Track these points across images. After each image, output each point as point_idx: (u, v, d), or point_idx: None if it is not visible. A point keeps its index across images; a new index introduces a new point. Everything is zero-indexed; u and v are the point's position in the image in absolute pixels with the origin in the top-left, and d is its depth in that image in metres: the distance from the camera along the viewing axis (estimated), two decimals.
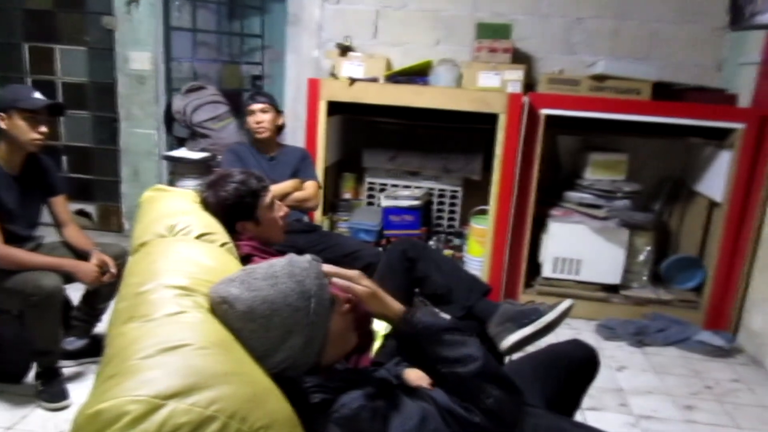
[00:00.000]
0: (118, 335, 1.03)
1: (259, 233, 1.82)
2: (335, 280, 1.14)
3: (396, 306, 1.17)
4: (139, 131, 3.61)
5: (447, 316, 1.16)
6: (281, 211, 1.90)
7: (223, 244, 1.55)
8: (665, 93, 2.94)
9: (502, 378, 1.13)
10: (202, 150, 3.29)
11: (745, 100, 2.94)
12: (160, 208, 1.64)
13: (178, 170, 3.34)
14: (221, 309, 1.08)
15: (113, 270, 2.17)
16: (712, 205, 3.05)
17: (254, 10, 3.65)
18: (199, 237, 1.50)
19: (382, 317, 1.18)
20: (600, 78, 2.91)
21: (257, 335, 1.05)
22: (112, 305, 1.20)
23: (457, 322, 1.16)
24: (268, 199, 1.84)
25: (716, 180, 2.94)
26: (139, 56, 3.46)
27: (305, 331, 1.06)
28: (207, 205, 1.74)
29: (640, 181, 3.10)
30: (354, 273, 1.18)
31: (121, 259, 2.21)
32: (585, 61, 3.18)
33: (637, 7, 3.20)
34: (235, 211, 1.77)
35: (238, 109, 2.70)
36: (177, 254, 1.33)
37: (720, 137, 2.91)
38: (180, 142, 3.50)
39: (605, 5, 3.22)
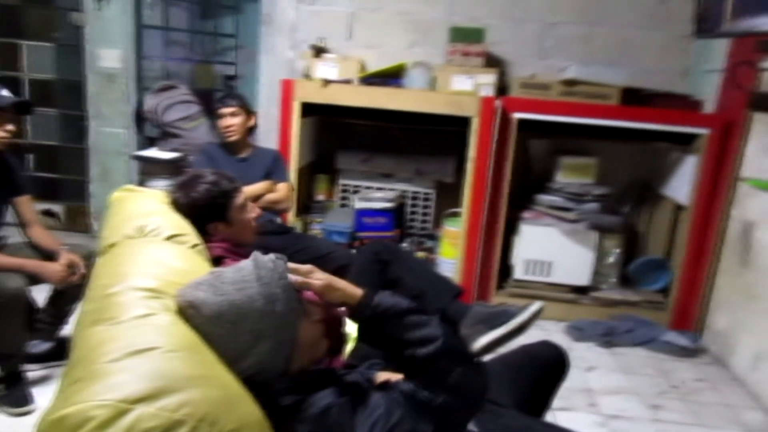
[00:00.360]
0: (84, 338, 1.01)
1: (230, 235, 1.81)
2: (291, 277, 1.13)
3: (355, 291, 1.17)
4: (109, 130, 3.55)
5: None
6: (253, 212, 1.89)
7: (193, 246, 1.53)
8: (634, 98, 3.00)
9: (464, 355, 1.13)
10: (174, 150, 3.25)
11: (709, 106, 3.01)
12: (129, 209, 1.62)
13: (148, 170, 3.29)
14: (188, 313, 1.07)
15: (82, 270, 2.13)
16: (678, 208, 3.12)
17: (228, 10, 3.62)
18: (169, 238, 1.48)
19: (343, 305, 1.18)
20: (571, 83, 2.95)
21: (225, 340, 1.04)
22: (78, 308, 1.18)
23: (418, 304, 1.16)
24: (240, 200, 1.83)
25: (682, 184, 3.01)
26: (109, 54, 3.40)
27: (274, 336, 1.06)
28: (178, 206, 1.73)
29: (609, 184, 3.15)
30: (306, 268, 1.18)
31: (88, 260, 2.17)
32: (557, 66, 3.22)
33: (608, 14, 3.26)
34: (207, 212, 1.75)
35: (211, 109, 2.68)
36: (146, 256, 1.32)
37: (686, 142, 2.98)
38: (150, 142, 3.45)
39: (577, 12, 3.27)
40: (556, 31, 3.31)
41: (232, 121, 2.65)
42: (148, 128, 3.41)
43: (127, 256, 1.31)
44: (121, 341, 0.95)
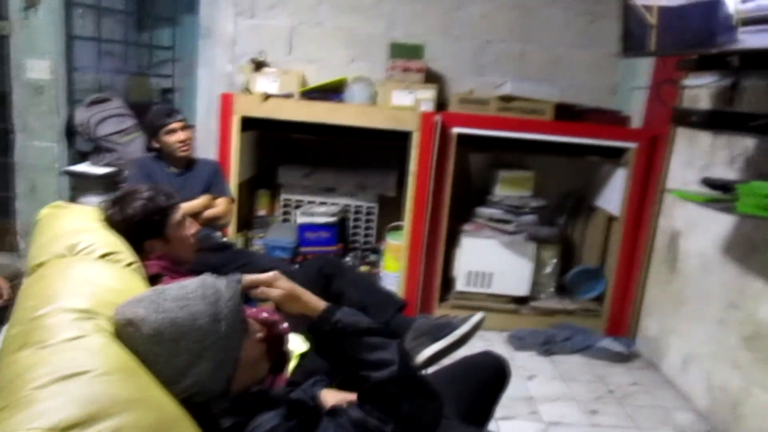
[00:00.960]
0: (9, 364, 0.95)
1: (168, 252, 1.76)
2: (254, 291, 1.12)
3: (318, 303, 1.16)
4: (37, 144, 3.39)
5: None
6: (192, 228, 1.85)
7: (128, 264, 1.48)
8: (567, 113, 3.11)
9: (419, 384, 1.14)
10: (107, 165, 3.14)
11: (637, 121, 3.17)
12: (59, 226, 1.56)
13: (80, 186, 3.16)
14: (126, 332, 1.03)
15: (5, 294, 2.02)
16: (611, 219, 3.25)
17: (165, 22, 3.54)
18: (102, 257, 1.43)
19: (302, 317, 1.17)
20: (507, 99, 3.04)
21: (164, 359, 1.01)
22: (3, 331, 1.12)
23: (380, 326, 1.16)
24: (178, 216, 1.78)
25: (613, 195, 3.14)
26: (37, 65, 3.26)
27: (215, 356, 1.03)
28: (112, 223, 1.67)
29: (546, 196, 3.25)
30: (269, 277, 1.17)
31: (14, 280, 2.06)
32: (494, 82, 3.31)
33: (541, 33, 3.38)
34: (143, 229, 1.70)
35: (152, 122, 2.61)
36: (77, 275, 1.26)
37: (616, 156, 3.11)
38: (82, 156, 3.32)
39: (512, 30, 3.37)
40: (492, 49, 3.40)
41: (185, 134, 2.60)
42: (80, 142, 3.28)
43: (57, 276, 1.25)
44: (50, 366, 0.90)
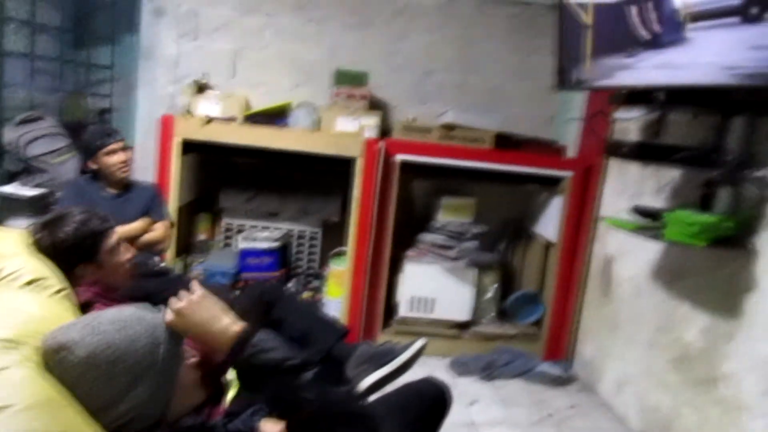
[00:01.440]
0: None
1: (101, 278, 1.70)
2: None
3: (226, 325, 1.12)
4: None
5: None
6: (128, 253, 1.79)
7: (58, 291, 1.42)
8: (506, 143, 3.20)
9: (346, 413, 1.12)
10: (38, 186, 3.00)
11: (572, 151, 3.29)
12: None
13: (7, 208, 3.01)
14: (57, 358, 0.98)
15: None
16: (548, 245, 3.35)
17: (104, 40, 3.45)
18: (28, 283, 1.37)
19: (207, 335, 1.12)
20: (449, 127, 3.11)
21: (99, 384, 0.97)
22: None
23: (304, 356, 1.14)
24: (112, 240, 1.72)
25: (550, 222, 3.24)
26: None
27: (153, 380, 1.00)
28: (41, 248, 1.59)
29: (487, 223, 3.32)
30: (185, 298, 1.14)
31: None
32: (436, 111, 3.38)
33: (481, 65, 3.48)
34: (75, 253, 1.63)
35: (87, 143, 2.52)
36: (0, 303, 1.20)
37: (552, 184, 3.22)
38: (11, 177, 3.17)
39: (453, 61, 3.46)
40: (434, 78, 3.48)
41: (126, 155, 2.53)
42: (9, 162, 3.13)
43: None
44: None
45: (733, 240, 1.95)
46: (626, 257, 2.76)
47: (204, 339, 1.12)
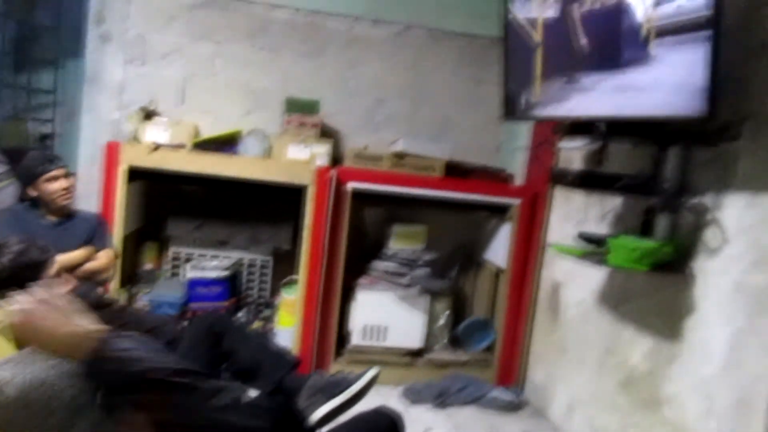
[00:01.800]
0: None
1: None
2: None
3: (80, 327, 1.00)
4: None
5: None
6: (69, 284, 1.73)
7: None
8: (455, 171, 3.26)
9: None
10: None
11: (519, 179, 3.38)
12: None
13: None
14: None
15: None
16: (498, 272, 3.40)
17: (46, 65, 3.36)
18: None
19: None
20: (400, 155, 3.15)
21: (34, 423, 0.92)
22: None
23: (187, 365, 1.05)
24: (52, 271, 1.66)
25: (500, 249, 3.30)
26: None
27: (93, 416, 0.96)
28: None
29: (438, 250, 3.35)
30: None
31: None
32: (387, 139, 3.42)
33: (430, 95, 3.55)
34: (12, 285, 1.56)
35: (27, 169, 2.44)
36: None
37: (501, 212, 3.29)
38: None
39: (403, 90, 3.52)
40: (385, 107, 3.53)
41: (68, 182, 2.45)
42: None
43: None
44: None
45: (673, 265, 2.03)
46: (573, 282, 2.83)
47: (54, 345, 0.99)
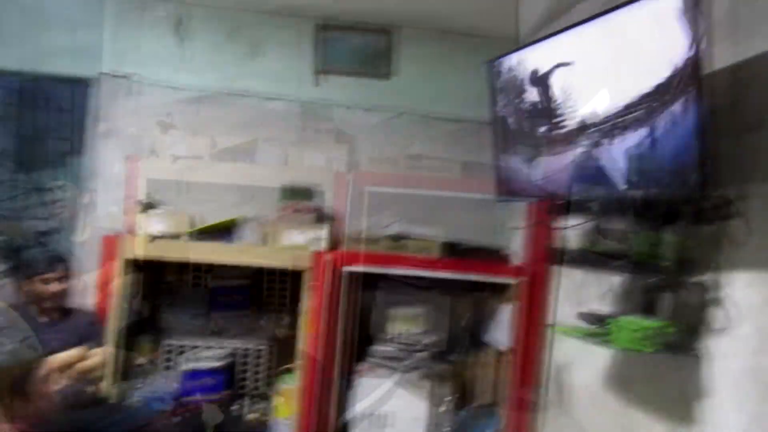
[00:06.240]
0: None
1: (30, 411, 1.57)
2: None
3: None
4: None
5: None
6: (60, 384, 1.68)
7: None
8: (453, 252, 3.25)
9: None
10: None
11: (517, 259, 3.36)
12: None
13: None
14: None
15: None
16: (500, 353, 3.33)
17: (47, 163, 3.42)
18: None
19: None
20: (396, 238, 3.16)
21: None
22: None
23: None
24: (43, 371, 1.61)
25: (501, 330, 3.25)
26: None
27: None
28: None
29: (438, 332, 3.29)
30: None
31: None
32: (383, 222, 3.43)
33: (424, 177, 3.61)
34: (1, 386, 1.51)
35: (26, 266, 2.44)
36: None
37: (500, 291, 3.26)
38: None
39: (396, 177, 3.59)
40: (380, 192, 3.56)
41: (60, 287, 2.42)
42: None
43: None
44: None
45: (679, 345, 1.99)
46: (578, 364, 2.76)
47: None
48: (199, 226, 3.15)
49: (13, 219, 3.38)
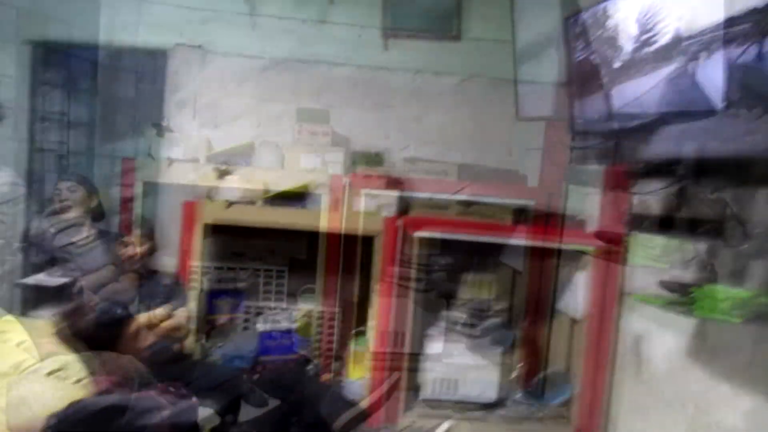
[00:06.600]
0: None
1: (121, 365, 1.68)
2: None
3: None
4: None
5: None
6: (148, 340, 1.79)
7: (78, 381, 1.41)
8: (524, 218, 3.18)
9: None
10: (63, 276, 3.04)
11: (593, 225, 3.25)
12: (6, 343, 1.49)
13: (33, 298, 3.03)
14: None
15: None
16: (574, 321, 3.26)
17: (128, 133, 3.59)
18: (50, 373, 1.37)
19: None
20: (467, 203, 3.13)
21: None
22: None
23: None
24: (133, 328, 1.73)
25: (576, 297, 3.17)
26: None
27: None
28: (63, 337, 1.60)
29: (510, 299, 3.26)
30: None
31: None
32: (452, 188, 3.40)
33: (494, 142, 3.54)
34: (95, 342, 1.63)
35: (107, 233, 2.61)
36: (19, 396, 1.20)
37: (575, 258, 3.18)
38: (37, 268, 3.21)
39: (468, 138, 3.53)
40: (451, 156, 3.52)
41: (134, 251, 2.60)
42: (35, 253, 3.19)
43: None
44: None
45: None
46: (658, 334, 2.66)
47: None
48: (273, 191, 3.23)
49: (101, 188, 3.59)
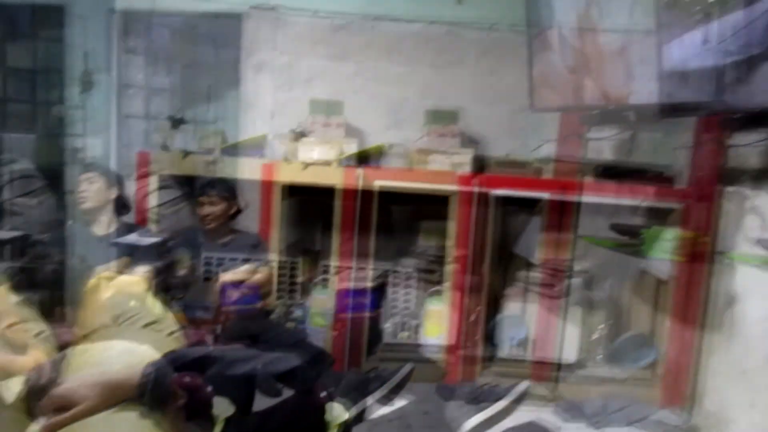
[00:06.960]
0: None
1: (208, 320, 1.78)
2: None
3: None
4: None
5: None
6: (231, 297, 1.87)
7: (170, 333, 1.49)
8: (609, 174, 3.05)
9: None
10: (154, 236, 3.21)
11: (682, 181, 3.07)
12: (105, 296, 1.59)
13: (129, 255, 3.23)
14: None
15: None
16: (660, 282, 3.13)
17: (206, 97, 3.70)
18: (146, 326, 1.45)
19: None
20: (546, 161, 3.03)
21: None
22: None
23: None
24: (218, 285, 1.81)
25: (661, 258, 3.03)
26: (91, 143, 3.43)
27: None
28: (157, 292, 1.70)
29: (592, 260, 3.16)
30: None
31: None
32: (531, 146, 3.31)
33: None
34: (182, 297, 1.73)
35: (193, 194, 2.73)
36: (120, 346, 1.28)
37: (663, 217, 3.02)
38: (129, 228, 3.41)
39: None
40: (527, 112, 3.42)
41: (209, 210, 2.69)
42: (129, 215, 3.39)
43: (101, 348, 1.28)
44: None
45: None
46: (754, 296, 2.51)
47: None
48: (348, 153, 3.25)
49: (183, 152, 3.74)
